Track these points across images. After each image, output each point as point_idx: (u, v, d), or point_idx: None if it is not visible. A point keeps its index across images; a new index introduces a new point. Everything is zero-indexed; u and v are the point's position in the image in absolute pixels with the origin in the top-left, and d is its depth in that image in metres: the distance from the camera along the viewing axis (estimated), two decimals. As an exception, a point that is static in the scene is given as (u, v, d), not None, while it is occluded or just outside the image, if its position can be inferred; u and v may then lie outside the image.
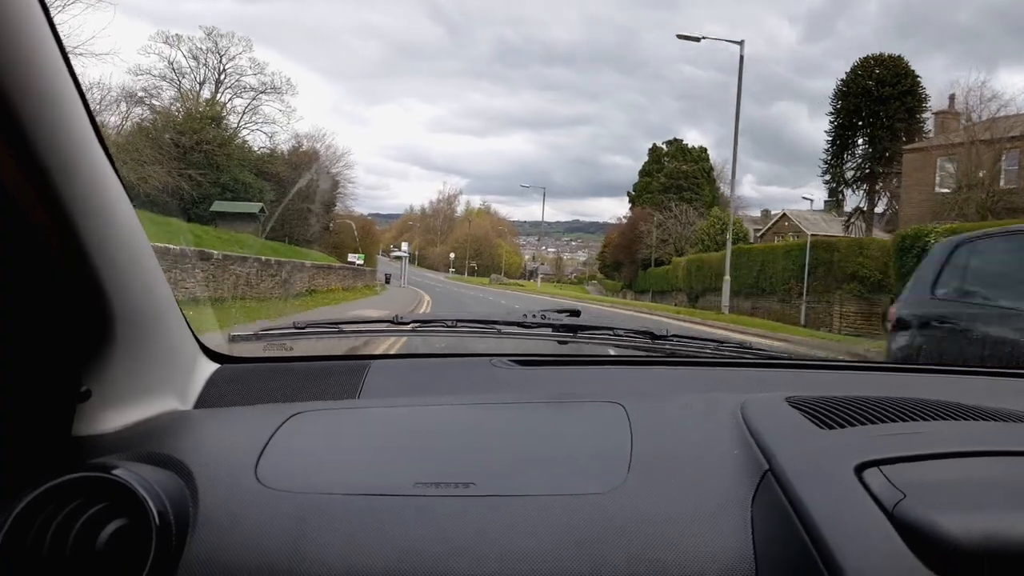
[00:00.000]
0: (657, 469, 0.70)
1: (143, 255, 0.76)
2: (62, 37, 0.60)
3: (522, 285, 48.17)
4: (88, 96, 0.65)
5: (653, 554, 0.61)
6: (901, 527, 0.54)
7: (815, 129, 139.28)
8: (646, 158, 47.81)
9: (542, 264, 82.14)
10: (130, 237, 0.73)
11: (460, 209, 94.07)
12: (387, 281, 29.91)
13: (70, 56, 0.61)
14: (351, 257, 29.74)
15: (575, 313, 1.30)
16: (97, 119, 0.66)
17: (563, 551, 0.61)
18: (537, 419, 0.86)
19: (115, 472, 0.64)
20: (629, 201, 48.92)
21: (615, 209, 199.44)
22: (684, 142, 47.06)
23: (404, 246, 39.47)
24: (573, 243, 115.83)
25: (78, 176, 0.62)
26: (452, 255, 67.60)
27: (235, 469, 0.71)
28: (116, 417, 0.78)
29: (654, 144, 49.06)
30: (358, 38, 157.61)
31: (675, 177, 43.82)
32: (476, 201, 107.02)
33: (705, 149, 45.82)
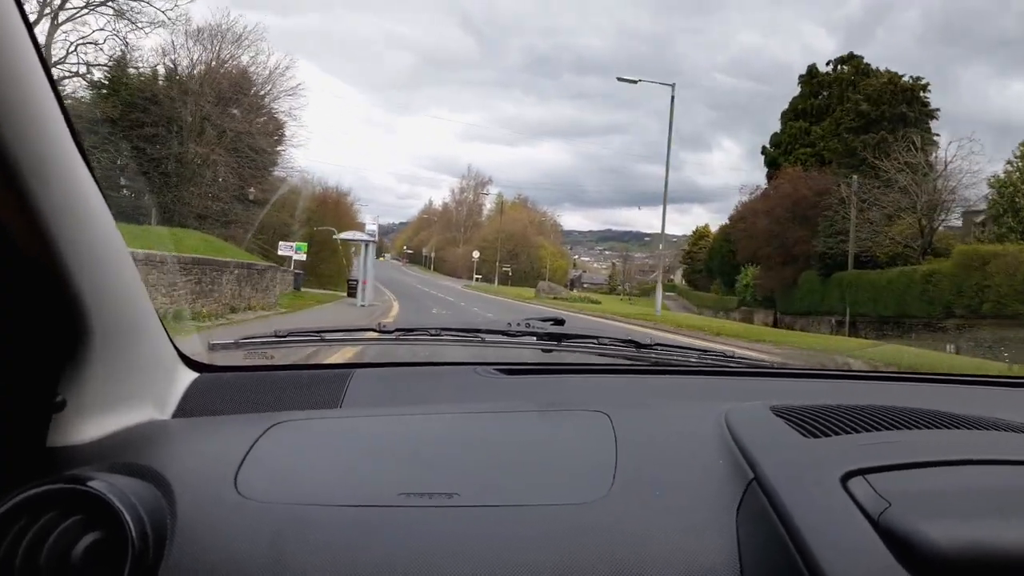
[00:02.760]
0: (642, 479, 0.73)
1: (121, 261, 0.78)
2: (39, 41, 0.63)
3: (598, 303, 32.85)
4: (65, 101, 0.68)
5: (639, 564, 0.63)
6: (887, 536, 0.55)
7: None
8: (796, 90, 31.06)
9: (583, 272, 66.60)
10: (107, 243, 0.74)
11: (489, 204, 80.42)
12: (352, 292, 18.13)
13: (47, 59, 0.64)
14: (284, 248, 20.58)
15: (559, 322, 1.31)
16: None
17: (548, 561, 0.63)
18: (522, 428, 0.87)
19: (91, 484, 0.64)
20: (768, 165, 33.18)
21: (648, 219, 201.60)
22: (864, 60, 30.09)
23: (370, 225, 21.85)
24: (607, 252, 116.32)
25: (53, 180, 0.63)
26: (476, 255, 51.60)
27: (214, 480, 0.71)
28: (92, 427, 0.78)
29: (810, 68, 31.63)
30: (390, 49, 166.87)
31: (879, 106, 26.07)
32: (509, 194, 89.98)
33: (900, 77, 28.14)
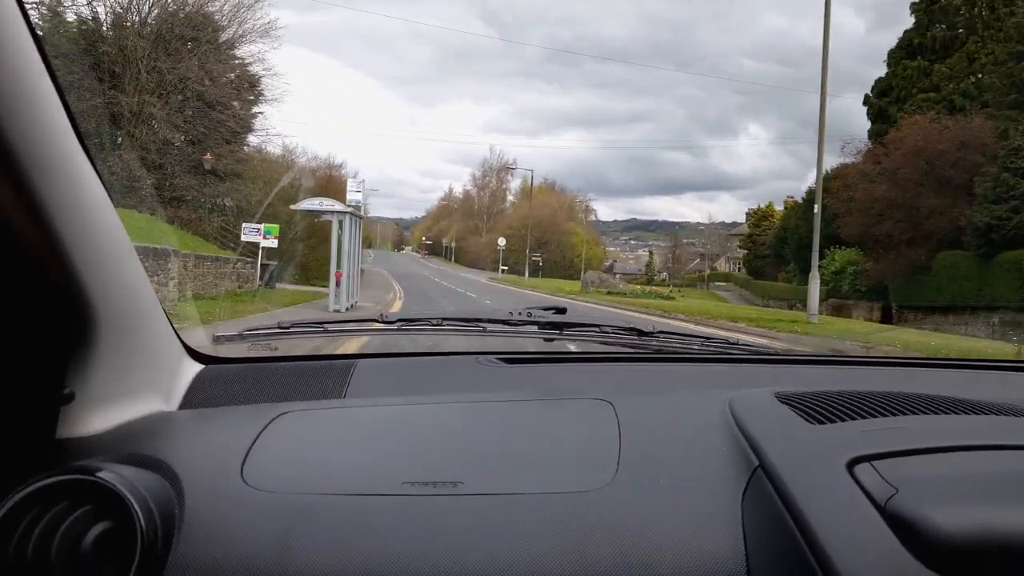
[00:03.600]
0: (646, 466, 0.74)
1: (125, 254, 0.80)
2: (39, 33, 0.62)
3: (671, 298, 24.99)
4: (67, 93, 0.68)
5: (643, 552, 0.64)
6: (893, 522, 0.56)
7: None
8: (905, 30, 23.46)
9: (614, 262, 60.63)
10: (112, 236, 0.76)
11: (513, 191, 72.95)
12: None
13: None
14: (248, 231, 14.95)
15: (561, 310, 1.32)
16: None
17: (553, 549, 0.65)
18: (525, 417, 0.89)
19: (100, 474, 0.66)
20: (874, 119, 25.89)
21: (673, 207, 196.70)
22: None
23: (353, 192, 14.85)
24: (632, 242, 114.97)
25: (56, 173, 0.65)
26: (502, 242, 43.26)
27: (221, 470, 0.74)
28: (100, 419, 0.81)
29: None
30: (412, 43, 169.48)
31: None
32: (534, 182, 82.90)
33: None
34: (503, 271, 46.35)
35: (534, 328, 1.25)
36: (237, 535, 0.66)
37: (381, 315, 1.26)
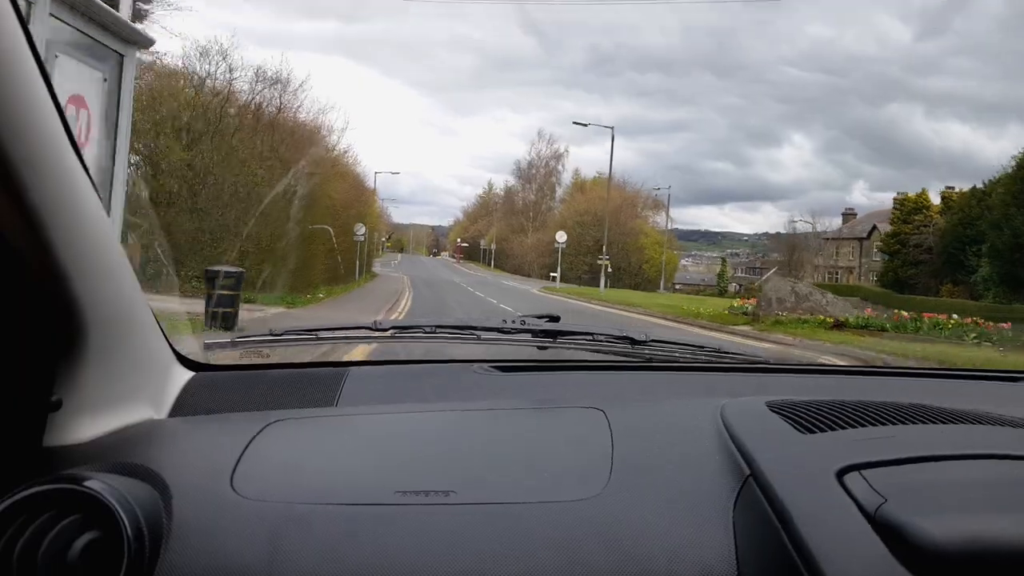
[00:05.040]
0: (638, 475, 0.82)
1: (116, 260, 0.86)
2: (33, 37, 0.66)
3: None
4: (59, 96, 0.73)
5: (636, 561, 0.71)
6: (883, 531, 0.63)
7: (931, 130, 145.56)
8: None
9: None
10: (103, 241, 0.82)
11: (566, 180, 67.73)
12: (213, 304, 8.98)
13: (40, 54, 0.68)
14: None
15: (554, 318, 1.44)
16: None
17: (545, 559, 0.71)
18: (518, 426, 0.97)
19: (87, 484, 0.72)
20: None
21: (714, 217, 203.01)
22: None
23: None
24: (673, 251, 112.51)
25: (47, 178, 0.70)
26: (561, 237, 35.79)
27: (211, 479, 0.80)
28: (88, 426, 0.88)
29: None
30: (452, 52, 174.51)
31: None
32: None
33: None
34: (553, 278, 40.49)
35: (528, 336, 1.36)
36: (227, 545, 0.73)
37: (375, 323, 1.36)
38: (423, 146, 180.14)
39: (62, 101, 0.73)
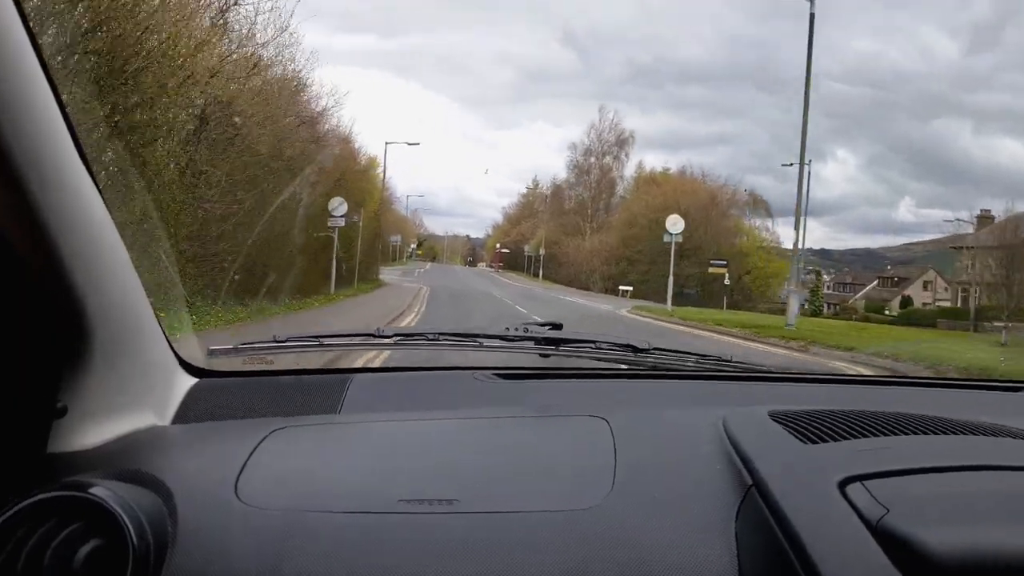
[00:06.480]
0: (641, 484, 0.90)
1: (121, 266, 0.95)
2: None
3: None
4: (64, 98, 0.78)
5: (638, 569, 0.78)
6: (885, 541, 0.70)
7: (980, 146, 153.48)
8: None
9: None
10: (108, 248, 0.90)
11: (628, 175, 59.54)
12: None
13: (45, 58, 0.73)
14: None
15: (557, 326, 1.60)
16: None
17: (549, 566, 0.79)
18: (520, 434, 1.08)
19: (92, 491, 0.79)
20: None
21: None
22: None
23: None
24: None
25: (54, 185, 0.77)
26: (676, 225, 27.29)
27: (215, 486, 0.89)
28: (93, 433, 0.97)
29: None
30: (491, 66, 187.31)
31: None
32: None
33: None
34: (624, 292, 35.76)
35: (530, 344, 1.51)
36: (231, 552, 0.81)
37: (377, 330, 1.51)
38: (462, 159, 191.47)
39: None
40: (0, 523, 0.76)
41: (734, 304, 35.83)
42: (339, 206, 17.23)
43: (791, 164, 50.11)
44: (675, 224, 26.87)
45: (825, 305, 48.55)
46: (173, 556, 0.79)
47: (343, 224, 17.87)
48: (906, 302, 51.81)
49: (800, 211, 21.10)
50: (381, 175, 31.50)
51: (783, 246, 47.63)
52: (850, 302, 55.28)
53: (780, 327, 18.43)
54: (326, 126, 18.63)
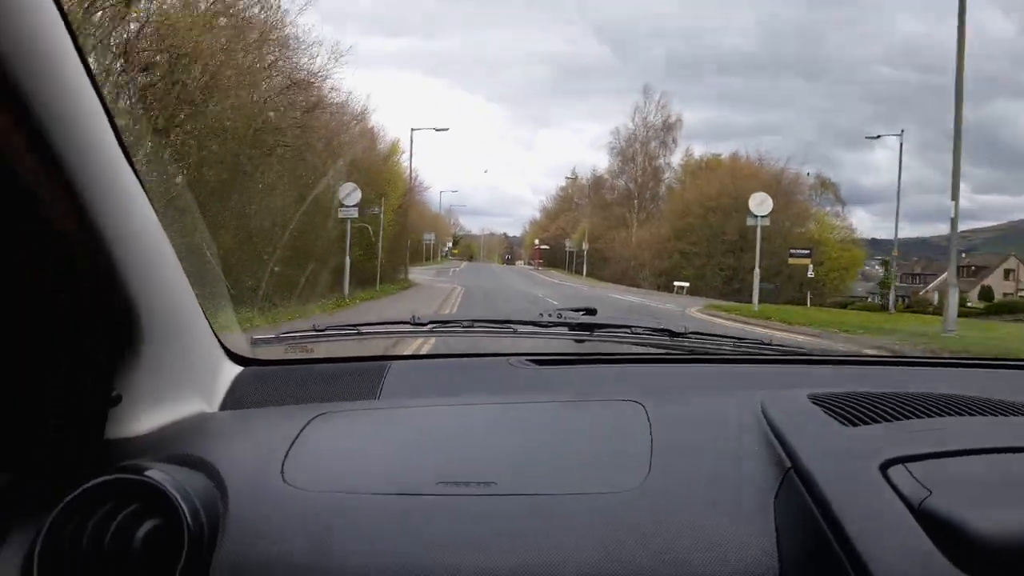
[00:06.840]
0: (678, 468, 0.92)
1: (167, 259, 1.00)
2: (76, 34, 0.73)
3: None
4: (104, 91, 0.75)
5: (676, 553, 0.80)
6: (928, 523, 0.71)
7: None
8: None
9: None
10: (154, 241, 0.96)
11: (675, 161, 56.06)
12: None
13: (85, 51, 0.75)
14: None
15: (591, 311, 1.66)
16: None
17: (586, 550, 0.82)
18: (557, 418, 1.12)
19: (148, 474, 0.85)
20: None
21: None
22: None
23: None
24: None
25: (101, 181, 0.81)
26: (762, 206, 23.57)
27: (262, 470, 0.94)
28: (146, 420, 1.04)
29: None
30: (527, 65, 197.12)
31: None
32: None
33: None
34: (680, 290, 33.51)
35: (564, 329, 1.59)
36: (279, 533, 0.86)
37: (413, 318, 1.61)
38: (500, 158, 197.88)
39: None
40: (66, 503, 0.82)
41: (787, 297, 33.21)
42: (352, 193, 15.56)
43: (877, 136, 47.64)
44: (761, 204, 23.16)
45: (898, 298, 45.90)
46: (224, 536, 0.85)
47: (355, 215, 16.13)
48: (986, 293, 49.07)
49: (956, 185, 15.61)
50: (405, 163, 29.18)
51: (857, 234, 45.08)
52: (922, 293, 52.45)
53: (937, 336, 13.53)
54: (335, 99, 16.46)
